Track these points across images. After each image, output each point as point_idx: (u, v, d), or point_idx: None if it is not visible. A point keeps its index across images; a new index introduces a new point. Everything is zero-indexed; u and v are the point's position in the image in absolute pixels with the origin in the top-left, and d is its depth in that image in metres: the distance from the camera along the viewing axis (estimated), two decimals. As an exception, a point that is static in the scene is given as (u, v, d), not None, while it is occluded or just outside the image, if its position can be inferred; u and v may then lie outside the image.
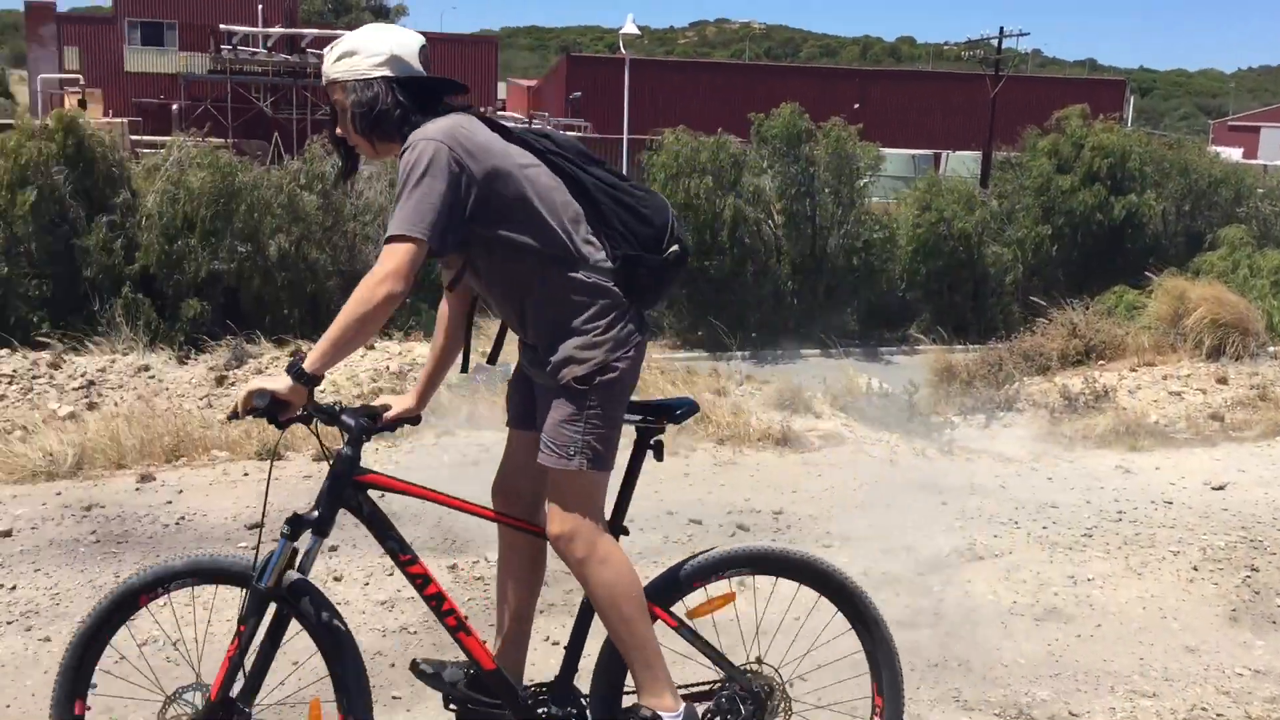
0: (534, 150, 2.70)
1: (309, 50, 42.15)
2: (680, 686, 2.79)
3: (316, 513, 2.64)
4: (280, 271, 19.15)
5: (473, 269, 2.73)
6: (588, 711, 2.83)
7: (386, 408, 2.92)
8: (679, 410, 2.85)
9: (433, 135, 2.55)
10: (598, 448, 2.67)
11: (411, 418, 2.98)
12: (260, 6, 41.44)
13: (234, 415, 2.64)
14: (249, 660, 2.66)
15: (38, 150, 18.42)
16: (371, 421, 2.77)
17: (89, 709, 2.73)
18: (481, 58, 48.06)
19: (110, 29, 41.70)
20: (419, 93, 2.67)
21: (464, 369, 3.06)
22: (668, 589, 2.85)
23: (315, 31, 43.27)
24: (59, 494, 5.64)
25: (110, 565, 4.89)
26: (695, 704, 2.80)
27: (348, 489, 2.70)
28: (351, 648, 2.72)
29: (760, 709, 2.83)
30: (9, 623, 4.31)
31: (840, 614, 2.91)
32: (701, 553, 2.90)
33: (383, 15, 63.46)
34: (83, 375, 7.52)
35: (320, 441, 2.72)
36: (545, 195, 2.64)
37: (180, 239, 18.58)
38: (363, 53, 2.66)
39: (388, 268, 2.48)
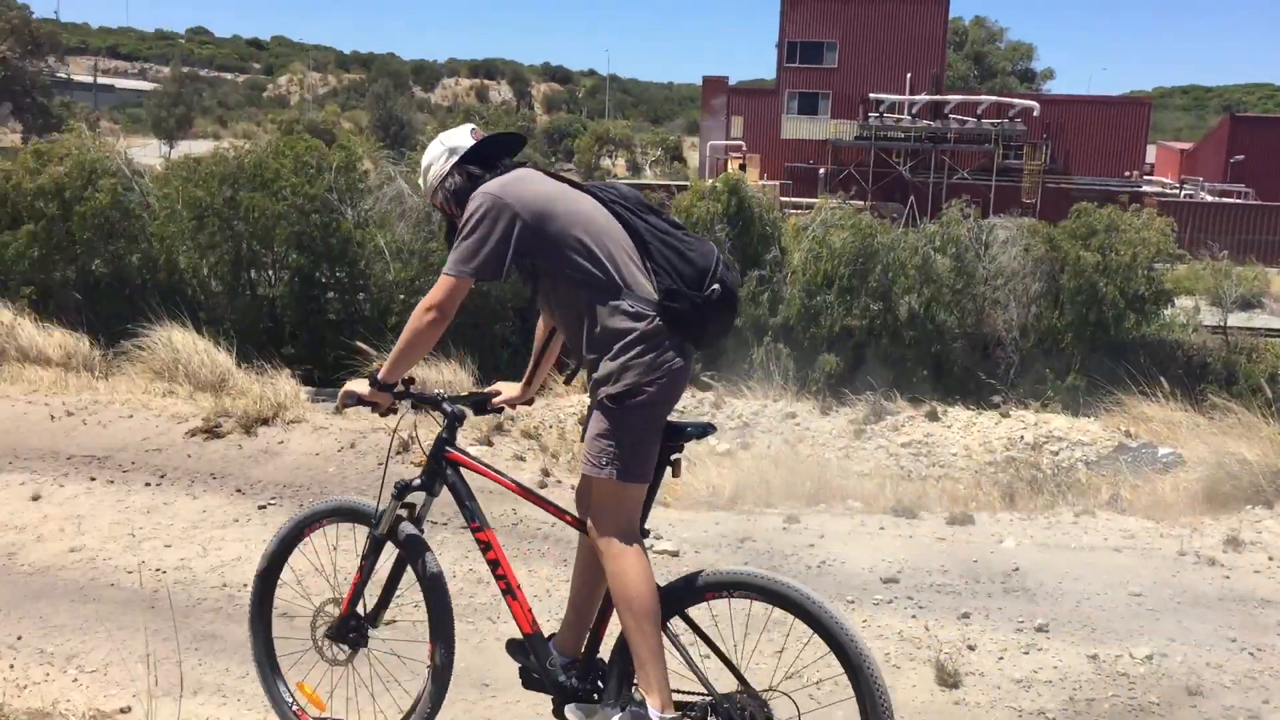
0: (598, 198, 3.12)
1: (951, 116, 42.85)
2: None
3: (419, 480, 3.22)
4: (908, 331, 19.58)
5: (544, 297, 3.15)
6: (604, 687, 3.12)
7: (497, 393, 3.44)
8: (690, 429, 3.11)
9: (488, 189, 3.05)
10: (627, 459, 2.96)
11: (523, 401, 3.49)
12: (909, 76, 42.93)
13: (338, 409, 3.31)
14: (370, 589, 3.32)
15: (706, 209, 20.62)
16: (471, 408, 3.35)
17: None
18: (1131, 120, 45.62)
19: (772, 100, 45.64)
20: (481, 160, 3.20)
21: (567, 380, 3.56)
22: (673, 598, 3.05)
23: (958, 97, 43.90)
24: (717, 523, 6.20)
25: (760, 595, 5.29)
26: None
27: (442, 463, 3.21)
28: (443, 592, 3.26)
29: None
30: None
31: (832, 654, 2.94)
32: (713, 569, 3.10)
33: (1029, 80, 62.70)
34: (739, 417, 8.26)
35: (414, 432, 3.43)
36: (597, 234, 3.04)
37: (819, 295, 19.72)
38: (434, 162, 3.24)
39: (433, 300, 3.01)
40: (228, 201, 19.55)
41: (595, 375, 3.01)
